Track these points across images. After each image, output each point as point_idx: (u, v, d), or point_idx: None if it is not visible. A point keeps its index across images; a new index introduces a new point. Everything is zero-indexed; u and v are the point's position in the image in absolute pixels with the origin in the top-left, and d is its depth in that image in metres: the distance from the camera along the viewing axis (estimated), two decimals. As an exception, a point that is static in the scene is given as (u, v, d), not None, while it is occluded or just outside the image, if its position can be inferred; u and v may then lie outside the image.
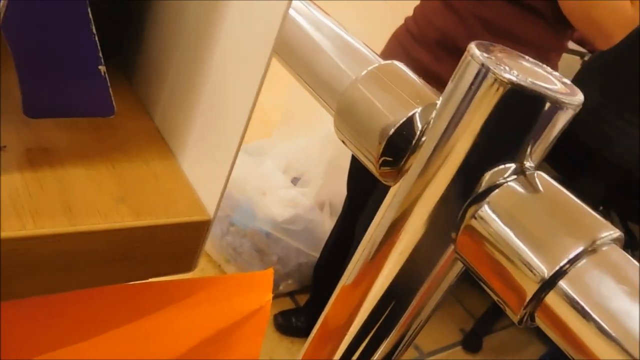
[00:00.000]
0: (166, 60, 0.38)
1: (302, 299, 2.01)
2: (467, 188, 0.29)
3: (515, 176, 0.28)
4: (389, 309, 0.35)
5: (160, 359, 0.40)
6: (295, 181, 2.07)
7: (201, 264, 1.81)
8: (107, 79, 0.33)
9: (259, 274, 0.42)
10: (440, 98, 0.30)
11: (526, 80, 0.26)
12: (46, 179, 0.31)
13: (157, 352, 0.40)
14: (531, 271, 0.25)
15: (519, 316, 0.26)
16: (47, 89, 0.32)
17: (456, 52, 1.17)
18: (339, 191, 1.76)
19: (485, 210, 0.28)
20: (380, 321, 0.35)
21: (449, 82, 0.30)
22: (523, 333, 2.37)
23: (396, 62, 0.35)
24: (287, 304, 2.00)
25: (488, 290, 0.29)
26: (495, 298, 0.28)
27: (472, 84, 0.27)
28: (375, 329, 0.36)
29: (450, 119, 0.29)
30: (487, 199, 0.28)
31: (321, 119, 2.02)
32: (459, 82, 0.28)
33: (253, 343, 0.43)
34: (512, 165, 0.28)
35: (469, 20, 1.15)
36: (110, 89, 0.34)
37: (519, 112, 0.27)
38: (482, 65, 0.27)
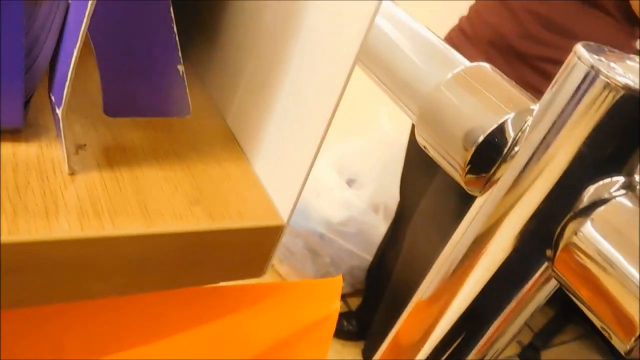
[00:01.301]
0: (242, 59, 0.37)
1: (354, 302, 1.99)
2: (566, 202, 0.26)
3: (624, 191, 0.25)
4: (468, 329, 0.33)
5: (225, 365, 0.40)
6: (350, 183, 2.05)
7: (255, 262, 1.80)
8: (185, 79, 0.32)
9: (328, 281, 0.41)
10: (538, 104, 0.28)
11: (645, 86, 0.23)
12: (124, 179, 0.31)
13: (223, 357, 0.40)
14: (645, 299, 0.23)
15: (628, 347, 0.24)
16: (127, 88, 0.32)
17: (509, 53, 1.12)
18: (395, 194, 1.73)
19: (589, 227, 0.25)
20: (457, 342, 0.33)
21: (550, 86, 0.27)
22: (583, 349, 2.26)
23: (484, 64, 0.33)
24: (338, 307, 1.99)
25: (590, 315, 0.26)
26: (599, 324, 0.25)
27: (578, 88, 0.25)
28: (451, 351, 0.33)
29: (550, 127, 0.26)
30: (592, 215, 0.25)
31: (377, 119, 1.99)
32: (562, 86, 0.26)
33: (319, 351, 0.42)
34: (621, 179, 0.25)
35: (522, 16, 1.10)
36: (187, 89, 0.33)
37: (633, 120, 0.24)
38: (592, 67, 0.24)
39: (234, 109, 0.39)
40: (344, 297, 2.05)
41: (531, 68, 1.11)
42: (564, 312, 2.18)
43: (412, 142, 1.54)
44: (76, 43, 0.26)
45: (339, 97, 0.28)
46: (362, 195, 1.96)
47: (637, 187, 0.26)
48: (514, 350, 2.12)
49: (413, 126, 0.34)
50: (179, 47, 0.31)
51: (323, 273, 1.94)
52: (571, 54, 0.26)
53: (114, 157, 0.32)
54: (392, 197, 1.88)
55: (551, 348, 2.19)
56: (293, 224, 1.98)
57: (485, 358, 0.34)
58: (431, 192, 1.39)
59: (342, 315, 1.91)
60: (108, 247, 0.28)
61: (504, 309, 0.31)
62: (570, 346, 2.25)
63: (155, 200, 0.30)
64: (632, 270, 0.24)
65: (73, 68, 0.26)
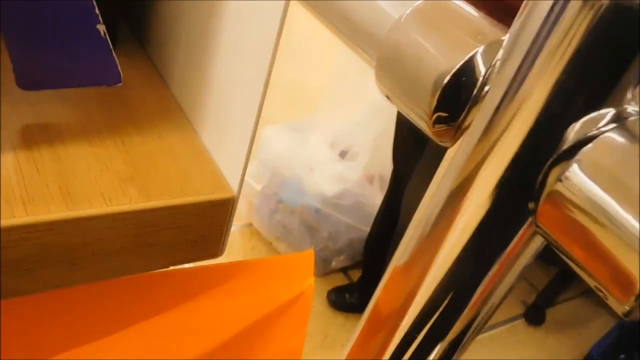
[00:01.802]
0: (179, 22, 0.33)
1: (355, 275, 1.97)
2: (548, 145, 0.23)
3: (614, 124, 0.21)
4: (450, 295, 0.29)
5: (192, 354, 0.36)
6: (343, 155, 2.01)
7: (252, 242, 1.78)
8: (109, 41, 0.28)
9: (298, 256, 0.37)
10: (509, 32, 0.24)
11: (632, -7, 0.19)
12: (43, 159, 0.27)
13: (189, 345, 0.36)
14: (644, 249, 0.19)
15: (627, 307, 0.20)
16: (40, 55, 0.28)
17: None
18: (389, 163, 1.69)
19: (575, 170, 0.21)
20: (441, 310, 0.30)
21: (519, 11, 0.23)
22: (588, 305, 2.25)
23: (448, -4, 0.28)
24: (340, 280, 1.97)
25: (581, 273, 0.22)
26: (592, 283, 0.22)
27: (553, 5, 0.21)
28: (434, 319, 0.30)
29: (523, 57, 0.22)
30: (577, 156, 0.21)
31: (366, 89, 1.94)
32: (534, 8, 0.22)
33: (296, 333, 0.39)
34: (610, 111, 0.22)
35: None
36: (113, 53, 0.29)
37: (622, 38, 0.20)
38: (567, -20, 0.20)
39: (176, 75, 0.34)
40: (344, 270, 2.03)
41: None
42: (566, 269, 2.16)
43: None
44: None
45: (274, 47, 0.24)
46: (356, 167, 1.93)
47: (630, 118, 0.22)
48: (518, 310, 2.11)
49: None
50: (95, 4, 0.27)
51: (322, 247, 1.91)
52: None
53: (34, 135, 0.28)
54: (386, 166, 1.85)
55: (555, 306, 2.18)
56: (288, 201, 1.94)
57: (474, 323, 0.31)
58: (424, 158, 1.35)
59: (344, 288, 1.90)
60: (23, 237, 0.24)
61: (488, 271, 0.27)
62: (575, 303, 2.24)
63: (80, 181, 0.26)
64: (628, 217, 0.20)
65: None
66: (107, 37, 0.28)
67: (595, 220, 0.21)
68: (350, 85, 2.02)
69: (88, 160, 0.28)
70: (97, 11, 0.27)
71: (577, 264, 0.23)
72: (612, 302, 0.21)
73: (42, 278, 0.27)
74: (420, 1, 0.28)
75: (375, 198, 1.89)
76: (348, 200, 1.89)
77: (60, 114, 0.31)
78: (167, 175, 0.29)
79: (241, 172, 0.28)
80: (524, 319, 2.09)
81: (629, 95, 0.22)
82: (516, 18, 0.23)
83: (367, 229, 1.86)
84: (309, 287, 0.38)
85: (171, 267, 0.34)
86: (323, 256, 1.88)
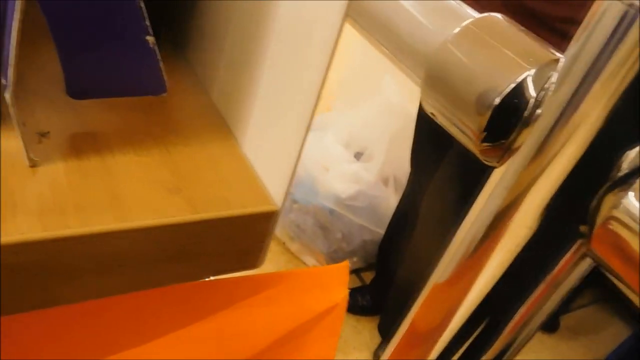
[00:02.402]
0: (223, 28, 0.33)
1: (368, 277, 1.97)
2: (601, 171, 0.22)
3: (672, 153, 0.21)
4: (491, 315, 0.29)
5: (226, 362, 0.37)
6: (358, 156, 2.01)
7: (265, 241, 1.76)
8: (157, 52, 0.28)
9: (333, 268, 0.37)
10: (563, 56, 0.24)
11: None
12: (93, 169, 0.27)
13: (223, 354, 0.37)
14: None
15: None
16: (91, 65, 0.28)
17: (524, 14, 1.05)
18: (404, 165, 1.69)
19: (631, 199, 0.21)
20: (480, 330, 0.30)
21: (576, 35, 0.23)
22: (603, 312, 2.23)
23: (496, 14, 0.28)
24: (352, 282, 1.97)
25: (634, 299, 0.22)
26: (645, 311, 0.22)
27: (613, 32, 0.21)
28: (472, 340, 0.30)
29: (580, 81, 0.22)
30: (635, 184, 0.21)
31: (383, 88, 1.93)
32: (594, 32, 0.22)
33: (328, 344, 0.39)
34: (668, 139, 0.21)
35: None
36: (161, 64, 0.29)
37: (684, 67, 0.20)
38: (630, 5, 0.20)
39: (217, 84, 0.35)
40: (357, 272, 2.03)
41: (550, 30, 1.04)
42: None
43: (423, 111, 1.48)
44: (16, 16, 0.22)
45: (328, 65, 0.24)
46: (371, 168, 1.92)
47: (687, 147, 0.21)
48: (532, 317, 2.09)
49: (424, 94, 0.30)
50: (147, 16, 0.27)
51: (335, 249, 1.91)
52: (603, -8, 0.21)
53: (82, 144, 0.29)
54: (401, 168, 1.84)
55: (569, 313, 2.16)
56: (302, 201, 1.95)
57: (513, 345, 0.31)
58: (446, 164, 1.34)
59: (356, 291, 1.89)
60: (75, 247, 0.24)
61: (531, 293, 0.27)
62: (590, 310, 2.22)
63: (129, 191, 0.27)
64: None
65: (15, 44, 0.22)
66: (156, 48, 0.28)
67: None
68: (366, 84, 2.02)
69: (135, 170, 0.28)
70: (147, 23, 0.27)
71: (631, 289, 0.22)
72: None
73: (89, 286, 0.27)
74: (467, 20, 0.28)
75: (390, 200, 1.88)
76: (362, 202, 1.89)
77: (105, 122, 0.31)
78: (212, 186, 0.29)
79: (286, 186, 0.29)
80: (537, 326, 2.08)
81: (687, 123, 0.21)
82: (573, 41, 0.23)
83: (381, 231, 1.86)
84: (344, 299, 0.38)
85: (208, 279, 0.34)
86: (336, 257, 1.88)
